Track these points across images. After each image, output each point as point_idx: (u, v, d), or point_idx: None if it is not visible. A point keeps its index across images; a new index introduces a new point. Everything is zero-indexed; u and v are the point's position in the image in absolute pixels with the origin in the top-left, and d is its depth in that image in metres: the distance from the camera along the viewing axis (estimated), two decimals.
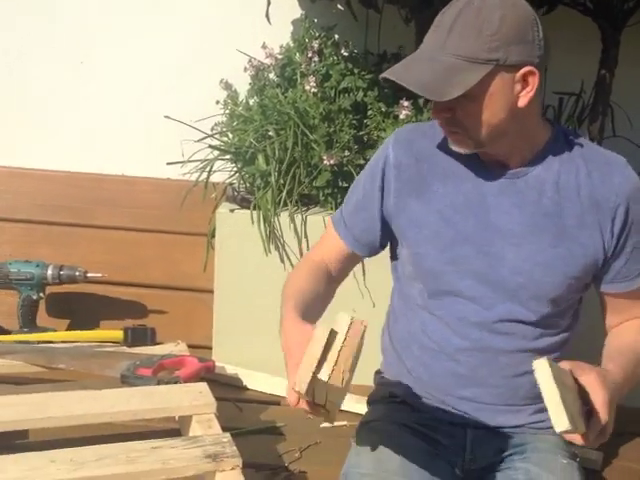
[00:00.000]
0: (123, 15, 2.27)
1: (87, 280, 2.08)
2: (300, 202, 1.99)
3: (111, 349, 1.92)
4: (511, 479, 1.33)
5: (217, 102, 2.14)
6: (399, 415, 1.42)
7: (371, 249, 1.45)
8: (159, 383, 1.67)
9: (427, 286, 1.36)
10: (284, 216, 1.98)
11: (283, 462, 1.66)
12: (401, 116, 1.94)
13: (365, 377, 1.85)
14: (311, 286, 1.35)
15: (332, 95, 2.03)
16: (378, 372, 1.55)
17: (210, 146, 2.05)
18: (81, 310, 2.18)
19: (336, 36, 2.15)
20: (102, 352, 1.88)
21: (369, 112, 2.03)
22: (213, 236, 2.07)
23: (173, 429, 1.65)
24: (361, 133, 2.02)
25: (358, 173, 1.95)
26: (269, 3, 2.02)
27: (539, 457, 1.35)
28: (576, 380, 1.15)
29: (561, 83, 2.04)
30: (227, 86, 2.16)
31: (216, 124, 2.13)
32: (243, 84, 2.17)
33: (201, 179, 2.05)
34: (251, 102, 2.14)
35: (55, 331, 2.07)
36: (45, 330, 2.06)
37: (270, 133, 1.99)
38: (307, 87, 1.99)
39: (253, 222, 1.97)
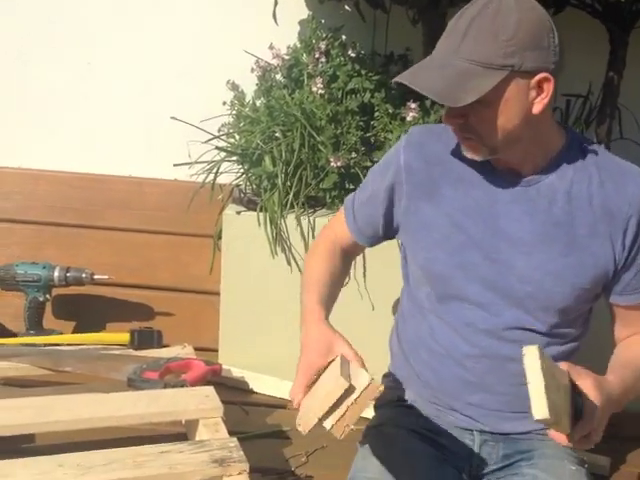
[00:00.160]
0: (129, 15, 2.26)
1: (94, 282, 2.08)
2: (307, 204, 1.98)
3: (117, 352, 1.92)
4: None
5: (224, 103, 2.13)
6: (406, 419, 1.41)
7: (372, 242, 1.49)
8: (166, 387, 1.66)
9: (435, 290, 1.36)
10: (291, 218, 1.97)
11: (290, 466, 1.66)
12: (408, 118, 1.93)
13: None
14: (330, 268, 1.42)
15: (339, 96, 2.02)
16: (386, 375, 1.54)
17: (217, 147, 2.05)
18: (87, 312, 2.18)
19: (343, 37, 2.14)
20: (108, 355, 1.88)
21: (376, 114, 2.02)
22: (219, 238, 2.06)
23: (180, 433, 1.65)
24: (368, 135, 2.01)
25: (365, 175, 1.96)
26: (276, 3, 2.01)
27: (547, 463, 1.35)
28: (572, 383, 1.14)
29: (568, 85, 2.02)
30: (234, 87, 2.16)
31: (223, 125, 2.12)
32: (250, 85, 2.16)
33: (208, 181, 2.05)
34: (258, 103, 2.13)
35: (61, 333, 2.08)
36: (51, 332, 2.07)
37: (277, 134, 1.98)
38: (314, 88, 1.98)
39: (260, 224, 1.97)
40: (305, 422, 1.12)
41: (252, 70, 2.14)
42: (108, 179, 2.28)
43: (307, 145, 1.95)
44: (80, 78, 2.29)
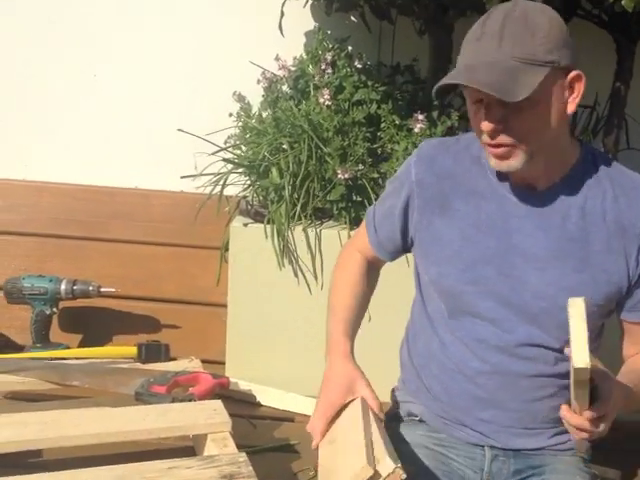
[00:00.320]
0: (135, 28, 2.27)
1: (100, 295, 2.07)
2: (314, 216, 1.98)
3: (125, 366, 1.91)
4: None
5: (230, 115, 2.13)
6: (416, 435, 1.40)
7: (393, 256, 1.48)
8: (174, 401, 1.65)
9: (447, 305, 1.35)
10: (298, 230, 1.97)
11: None
12: (415, 129, 1.93)
13: (379, 393, 1.85)
14: (358, 290, 1.44)
15: (345, 108, 2.02)
16: (395, 389, 1.53)
17: (224, 159, 2.04)
18: (94, 325, 2.18)
19: (349, 48, 2.14)
20: (116, 369, 1.87)
21: (382, 125, 2.01)
22: (226, 249, 2.06)
23: (187, 446, 1.64)
24: (375, 146, 2.00)
25: (372, 187, 1.97)
26: (282, 15, 2.01)
27: (558, 478, 1.33)
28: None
29: None
30: (240, 98, 2.15)
31: (229, 137, 2.12)
32: (256, 96, 2.16)
33: (215, 192, 2.04)
34: (264, 115, 2.13)
35: (68, 346, 2.08)
36: (58, 345, 2.06)
37: (284, 146, 1.98)
38: (321, 100, 1.98)
39: (267, 236, 1.96)
40: None
41: (258, 81, 2.14)
42: (114, 191, 2.28)
43: (314, 157, 1.94)
44: (86, 91, 2.30)
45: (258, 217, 2.02)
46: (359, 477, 1.10)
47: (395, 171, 1.91)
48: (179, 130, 2.05)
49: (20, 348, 2.09)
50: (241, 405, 1.92)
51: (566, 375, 1.30)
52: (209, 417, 1.58)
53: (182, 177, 2.05)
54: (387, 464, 1.12)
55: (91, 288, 2.05)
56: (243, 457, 1.46)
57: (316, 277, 1.99)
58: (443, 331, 1.36)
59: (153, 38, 2.28)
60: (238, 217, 2.06)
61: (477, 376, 1.32)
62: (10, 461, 1.49)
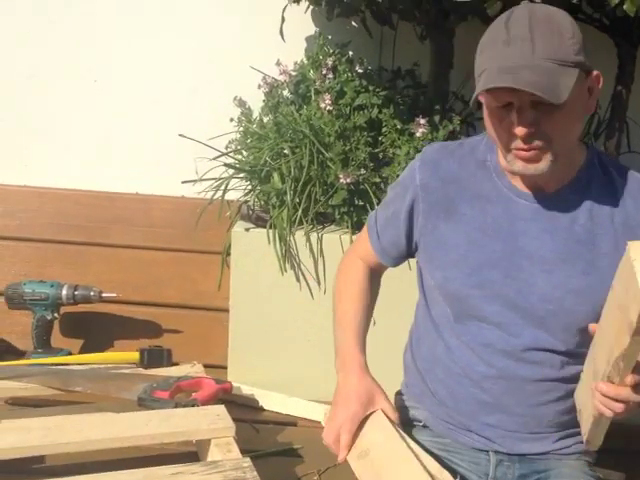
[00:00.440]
0: (135, 33, 2.26)
1: (102, 300, 2.07)
2: (316, 221, 1.98)
3: (127, 371, 1.90)
4: None
5: (231, 120, 2.13)
6: (420, 440, 1.39)
7: (397, 262, 1.48)
8: (176, 406, 1.65)
9: (453, 309, 1.35)
10: (300, 235, 1.97)
11: None
12: (417, 134, 1.93)
13: None
14: (364, 300, 1.44)
15: (347, 112, 2.02)
16: (398, 393, 1.53)
17: (225, 164, 2.04)
18: (96, 330, 2.17)
19: (350, 53, 2.14)
20: (118, 374, 1.86)
21: (384, 129, 2.02)
22: (228, 254, 2.06)
23: (190, 452, 1.64)
24: (376, 150, 2.01)
25: (374, 191, 1.97)
26: (283, 20, 2.02)
27: None
28: None
29: None
30: (241, 103, 2.16)
31: (230, 142, 2.12)
32: (257, 101, 2.16)
33: (216, 197, 2.04)
34: (265, 120, 2.13)
35: (70, 351, 2.07)
36: (60, 350, 2.06)
37: (285, 151, 1.98)
38: (322, 105, 1.98)
39: (269, 241, 1.96)
40: None
41: (259, 86, 2.14)
42: (115, 196, 2.28)
43: (316, 162, 1.95)
44: (86, 96, 2.30)
45: (260, 222, 2.02)
46: None
47: (397, 176, 1.92)
48: (181, 135, 2.05)
49: (21, 354, 2.08)
50: (243, 410, 1.91)
51: (572, 379, 1.30)
52: (212, 422, 1.58)
53: (183, 182, 2.05)
54: (446, 477, 1.16)
55: (92, 293, 2.05)
56: (247, 462, 1.46)
57: (318, 282, 1.99)
58: (448, 335, 1.36)
59: (153, 43, 2.27)
60: (239, 222, 2.05)
61: (483, 380, 1.32)
62: (14, 467, 1.49)
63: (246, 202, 2.10)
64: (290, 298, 1.99)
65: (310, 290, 1.99)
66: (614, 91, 2.05)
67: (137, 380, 1.78)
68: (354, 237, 1.95)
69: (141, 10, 2.26)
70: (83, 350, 2.13)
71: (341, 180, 1.91)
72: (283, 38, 2.03)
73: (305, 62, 2.15)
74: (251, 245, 1.99)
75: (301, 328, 2.00)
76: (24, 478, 1.39)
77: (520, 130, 1.19)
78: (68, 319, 2.14)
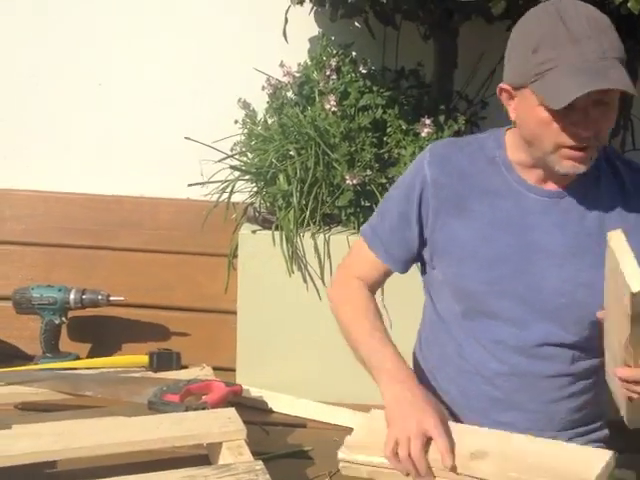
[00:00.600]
0: (139, 35, 2.27)
1: (110, 303, 2.07)
2: (322, 222, 1.98)
3: (137, 375, 1.90)
4: None
5: (235, 122, 2.13)
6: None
7: (409, 266, 1.46)
8: (187, 409, 1.65)
9: (463, 307, 1.35)
10: (306, 236, 1.97)
11: None
12: (423, 134, 1.93)
13: None
14: (377, 314, 1.41)
15: (351, 113, 2.02)
16: None
17: (231, 167, 2.05)
18: (104, 334, 2.18)
19: (354, 53, 2.14)
20: (128, 378, 1.86)
21: (388, 130, 2.02)
22: (234, 256, 2.06)
23: (201, 455, 1.64)
24: (382, 151, 2.01)
25: (380, 192, 1.97)
26: (286, 21, 2.02)
27: None
28: None
29: None
30: (245, 105, 2.16)
31: (235, 144, 2.12)
32: (261, 103, 2.16)
33: (222, 199, 2.05)
34: (270, 121, 2.13)
35: (78, 355, 2.08)
36: (68, 355, 2.06)
37: (291, 153, 1.99)
38: (327, 106, 1.98)
39: (275, 243, 1.97)
40: None
41: (263, 88, 2.14)
42: (121, 200, 2.28)
43: (322, 163, 1.95)
44: (91, 99, 2.30)
45: (266, 224, 2.02)
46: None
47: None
48: (186, 138, 2.05)
49: (30, 358, 2.08)
50: (252, 412, 1.91)
51: (583, 374, 1.31)
52: (223, 425, 1.58)
53: (189, 185, 2.05)
54: None
55: (100, 297, 2.05)
56: (260, 465, 1.46)
57: (325, 283, 1.99)
58: (458, 333, 1.37)
59: (156, 45, 2.28)
60: (246, 224, 2.06)
61: (495, 377, 1.33)
62: (26, 472, 1.49)
63: (252, 204, 2.10)
64: (297, 300, 2.00)
65: (317, 291, 1.99)
66: None
67: (147, 384, 1.78)
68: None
69: (143, 12, 2.26)
70: (91, 354, 2.14)
71: (347, 181, 1.91)
72: (286, 39, 2.03)
73: (309, 63, 2.15)
74: (258, 247, 2.00)
75: (309, 329, 2.01)
76: None
77: (588, 131, 1.19)
78: (76, 323, 2.15)
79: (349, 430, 1.87)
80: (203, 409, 1.66)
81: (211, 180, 2.07)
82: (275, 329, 2.02)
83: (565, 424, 1.35)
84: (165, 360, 1.94)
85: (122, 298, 2.07)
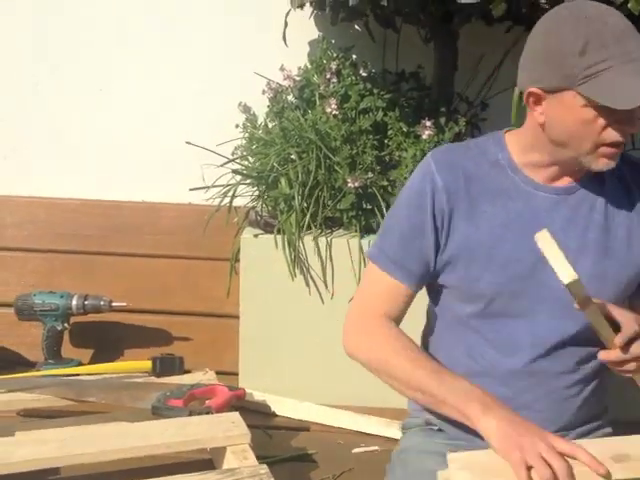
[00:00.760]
0: (140, 41, 2.27)
1: (112, 309, 2.07)
2: (324, 225, 1.98)
3: (140, 380, 1.91)
4: None
5: (236, 126, 2.13)
6: (434, 443, 1.39)
7: (423, 282, 1.39)
8: (191, 414, 1.65)
9: (476, 308, 1.34)
10: (308, 240, 1.97)
11: None
12: (424, 136, 1.93)
13: (394, 400, 1.85)
14: (417, 349, 1.32)
15: (352, 116, 2.02)
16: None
17: (233, 171, 2.05)
18: (106, 339, 2.17)
19: (354, 56, 2.14)
20: (131, 383, 1.87)
21: (389, 132, 2.02)
22: (236, 260, 2.06)
23: (205, 459, 1.64)
24: (383, 154, 2.01)
25: (382, 194, 1.97)
26: (286, 25, 2.02)
27: None
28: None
29: None
30: (246, 109, 2.16)
31: (236, 148, 2.12)
32: (262, 107, 2.16)
33: (224, 203, 2.05)
34: (270, 125, 2.13)
35: (80, 361, 2.07)
36: (70, 361, 2.06)
37: (292, 156, 1.98)
38: (328, 109, 1.98)
39: (277, 247, 1.96)
40: None
41: (263, 92, 2.14)
42: (122, 205, 2.28)
43: (323, 166, 1.95)
44: (92, 105, 2.30)
45: (268, 227, 2.02)
46: None
47: (405, 178, 1.92)
48: (187, 143, 2.05)
49: (32, 365, 2.08)
50: (256, 415, 1.92)
51: (592, 370, 1.33)
52: (228, 430, 1.58)
53: (191, 189, 2.05)
54: None
55: (102, 303, 2.05)
56: (264, 469, 1.47)
57: (327, 286, 1.99)
58: (468, 335, 1.36)
59: (156, 51, 2.27)
60: (248, 228, 2.06)
61: (506, 377, 1.32)
62: (29, 479, 1.49)
63: (253, 208, 2.10)
64: (300, 303, 1.99)
65: (320, 294, 1.99)
66: None
67: (150, 389, 1.78)
68: (363, 241, 1.95)
69: (145, 18, 2.26)
70: (94, 360, 2.13)
71: (349, 184, 1.91)
72: (286, 43, 2.03)
73: (309, 67, 2.15)
74: (260, 251, 2.00)
75: (311, 333, 2.00)
76: None
77: (634, 127, 1.21)
78: (78, 329, 2.15)
79: (352, 433, 1.89)
80: (207, 413, 1.66)
81: (213, 184, 2.06)
82: (277, 333, 2.01)
83: (573, 421, 1.34)
84: (168, 365, 1.95)
85: (124, 303, 2.07)
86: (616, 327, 1.21)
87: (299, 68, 2.16)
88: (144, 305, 2.17)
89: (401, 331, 1.35)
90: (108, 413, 1.78)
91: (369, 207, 1.95)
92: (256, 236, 2.01)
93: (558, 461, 1.09)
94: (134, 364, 1.97)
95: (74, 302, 2.04)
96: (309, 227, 1.96)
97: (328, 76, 2.06)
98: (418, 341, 1.50)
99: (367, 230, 1.98)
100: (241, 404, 1.85)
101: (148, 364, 1.94)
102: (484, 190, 1.32)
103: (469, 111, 2.13)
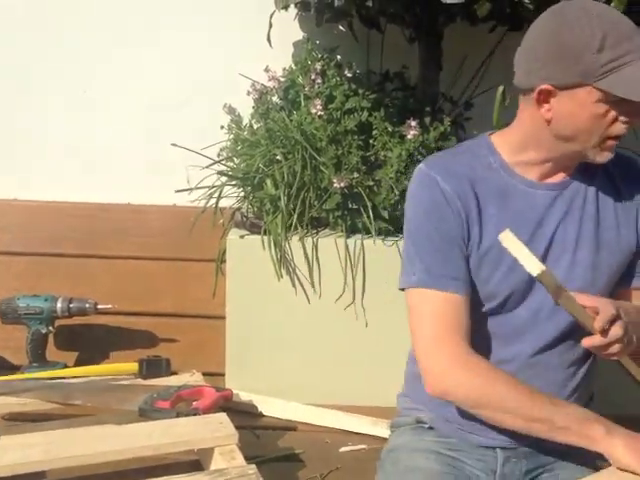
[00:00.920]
0: (124, 43, 2.26)
1: (97, 312, 2.06)
2: (310, 225, 1.98)
3: (127, 382, 1.90)
4: None
5: (222, 127, 2.13)
6: (425, 441, 1.40)
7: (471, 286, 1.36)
8: (178, 415, 1.65)
9: (484, 307, 1.35)
10: (294, 240, 1.97)
11: None
12: (409, 136, 1.94)
13: (380, 399, 1.86)
14: (511, 377, 1.29)
15: (337, 117, 2.03)
16: (401, 395, 1.52)
17: (218, 172, 2.04)
18: (91, 342, 2.17)
19: (338, 57, 2.15)
20: (118, 386, 1.86)
21: (374, 132, 2.02)
22: (222, 262, 2.06)
23: (192, 460, 1.64)
24: (368, 154, 2.01)
25: (368, 194, 1.97)
26: (271, 26, 2.02)
27: (568, 474, 1.35)
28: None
29: None
30: (230, 110, 2.16)
31: (221, 149, 2.12)
32: (247, 108, 2.16)
33: (209, 205, 2.04)
34: (255, 126, 2.13)
35: (65, 364, 2.06)
36: (55, 364, 2.04)
37: (278, 157, 1.98)
38: (313, 110, 1.99)
39: (263, 247, 1.96)
40: None
41: (248, 93, 2.14)
42: (107, 207, 2.27)
43: (309, 167, 1.95)
44: (76, 107, 2.29)
45: (254, 228, 2.02)
46: None
47: (390, 178, 1.93)
48: (172, 144, 2.05)
49: (16, 368, 2.06)
50: (243, 416, 1.91)
51: (585, 356, 1.37)
52: (215, 430, 1.58)
53: (177, 191, 2.04)
54: None
55: (88, 305, 2.04)
56: (253, 469, 1.46)
57: (314, 286, 1.99)
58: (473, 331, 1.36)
59: (141, 53, 2.27)
60: (234, 229, 2.05)
61: (513, 369, 1.33)
62: None
63: (239, 209, 2.10)
64: (286, 303, 2.00)
65: (306, 295, 1.99)
66: None
67: (137, 391, 1.77)
68: (349, 241, 1.95)
69: (129, 20, 2.26)
70: (79, 363, 2.12)
71: (335, 184, 1.91)
72: (270, 44, 2.03)
73: (294, 68, 2.15)
74: (246, 252, 2.00)
75: (298, 333, 2.01)
76: None
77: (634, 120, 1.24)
78: (63, 332, 2.13)
79: (339, 432, 1.89)
80: (194, 415, 1.65)
81: (198, 186, 2.06)
82: (264, 333, 2.01)
83: None
84: (155, 367, 1.94)
85: (110, 306, 2.06)
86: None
87: (284, 69, 2.16)
88: (130, 307, 2.16)
89: (482, 359, 1.30)
90: (94, 416, 1.76)
91: (355, 207, 1.96)
92: (242, 237, 2.00)
93: None
94: (120, 366, 1.96)
95: (59, 305, 2.03)
96: (295, 228, 1.96)
97: (313, 77, 2.06)
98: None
99: (353, 230, 1.99)
100: (228, 405, 1.84)
101: (135, 366, 1.93)
102: (487, 193, 1.33)
103: (453, 111, 2.14)
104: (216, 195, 2.04)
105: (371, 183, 1.95)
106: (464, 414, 1.37)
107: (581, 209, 1.34)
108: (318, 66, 2.07)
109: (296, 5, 2.00)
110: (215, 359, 2.07)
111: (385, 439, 1.71)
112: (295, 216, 1.95)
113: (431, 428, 1.42)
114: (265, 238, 1.97)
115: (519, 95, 1.32)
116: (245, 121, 2.15)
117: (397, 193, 1.92)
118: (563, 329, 1.34)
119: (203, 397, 1.74)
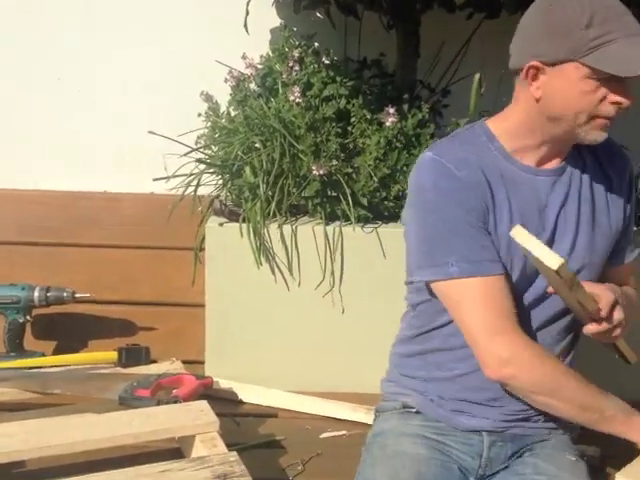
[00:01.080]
0: (99, 30, 2.24)
1: (75, 300, 2.04)
2: (289, 213, 1.98)
3: (106, 371, 1.89)
4: (519, 473, 1.37)
5: (199, 115, 2.12)
6: (412, 425, 1.42)
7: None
8: (159, 403, 1.65)
9: None
10: (273, 228, 1.97)
11: (287, 476, 1.65)
12: (387, 123, 1.94)
13: (359, 385, 1.88)
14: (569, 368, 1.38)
15: (315, 104, 2.02)
16: (386, 381, 1.54)
17: (197, 160, 2.03)
18: (68, 331, 2.14)
19: (316, 44, 2.15)
20: (97, 374, 1.85)
21: (353, 119, 2.02)
22: (201, 249, 2.05)
23: (173, 448, 1.64)
24: (347, 141, 2.02)
25: (347, 182, 1.97)
26: (247, 13, 2.01)
27: (548, 453, 1.39)
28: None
29: None
30: (208, 98, 2.15)
31: (199, 137, 2.11)
32: (224, 95, 2.15)
33: (187, 193, 2.03)
34: (233, 114, 2.12)
35: (43, 354, 2.04)
36: (33, 354, 2.02)
37: (256, 145, 1.98)
38: (291, 97, 1.98)
39: (242, 235, 1.96)
40: None
41: (225, 80, 2.13)
42: (83, 196, 2.26)
43: (287, 154, 1.95)
44: (50, 94, 2.27)
45: (233, 216, 2.01)
46: None
47: (369, 165, 1.93)
48: (150, 132, 2.03)
49: None
50: (223, 403, 1.91)
51: (572, 345, 1.42)
52: (196, 418, 1.58)
53: (155, 179, 2.03)
54: None
55: (65, 294, 2.02)
56: (234, 456, 1.47)
57: (292, 273, 1.99)
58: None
59: (117, 39, 2.26)
60: (212, 217, 2.05)
61: None
62: None
63: (218, 197, 2.09)
64: (266, 291, 2.00)
65: (286, 282, 1.99)
66: None
67: (117, 379, 1.77)
68: (328, 228, 1.96)
69: (105, 6, 2.24)
70: (57, 352, 2.10)
71: (313, 172, 1.91)
72: (247, 31, 2.02)
73: (271, 55, 2.15)
74: (225, 240, 1.99)
75: (278, 320, 2.01)
76: None
77: (629, 98, 1.26)
78: (40, 321, 2.11)
79: (320, 418, 1.91)
80: (175, 403, 1.65)
81: (176, 174, 2.05)
82: (243, 321, 2.01)
83: None
84: (134, 355, 1.93)
85: (88, 295, 2.05)
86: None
87: (261, 56, 2.15)
88: (108, 296, 2.15)
89: (543, 348, 1.36)
90: (74, 405, 1.76)
91: (334, 194, 1.96)
92: (221, 225, 2.00)
93: None
94: (100, 355, 1.95)
95: (36, 294, 2.01)
96: (274, 215, 1.96)
97: (291, 64, 2.06)
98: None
99: (332, 217, 1.99)
100: (209, 392, 1.84)
101: (114, 355, 1.92)
102: (495, 180, 1.34)
103: (431, 98, 2.15)
104: (194, 183, 2.03)
105: (350, 170, 1.96)
106: (453, 397, 1.39)
107: (578, 193, 1.38)
108: (296, 53, 2.07)
109: None
110: (195, 347, 2.07)
111: (365, 425, 1.73)
112: (274, 204, 1.95)
113: (418, 412, 1.44)
114: (244, 226, 1.96)
115: (514, 79, 1.34)
116: (222, 109, 2.14)
117: (376, 180, 1.93)
118: (553, 315, 1.38)
119: (183, 385, 1.75)
